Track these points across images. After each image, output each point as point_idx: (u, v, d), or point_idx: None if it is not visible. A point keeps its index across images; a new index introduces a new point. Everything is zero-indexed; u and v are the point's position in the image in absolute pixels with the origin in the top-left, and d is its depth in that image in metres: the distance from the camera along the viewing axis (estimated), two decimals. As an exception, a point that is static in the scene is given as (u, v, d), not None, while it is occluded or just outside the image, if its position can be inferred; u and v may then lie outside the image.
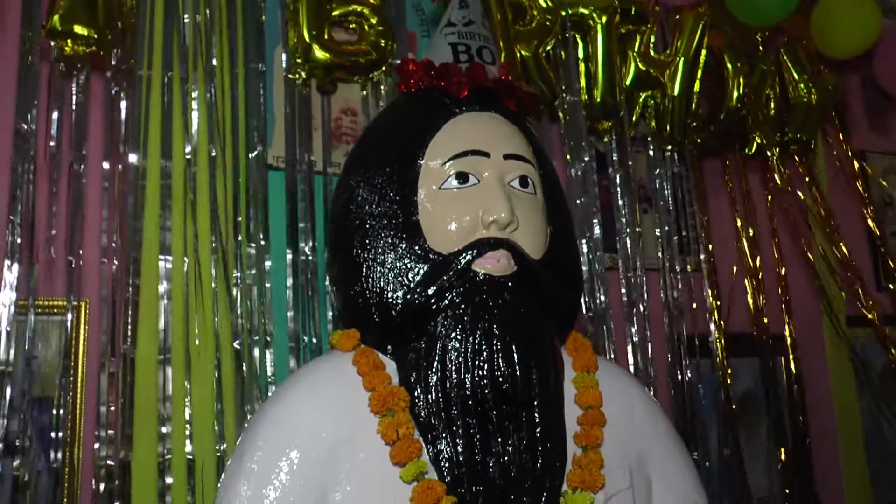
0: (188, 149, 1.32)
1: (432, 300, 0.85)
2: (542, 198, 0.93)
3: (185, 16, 1.38)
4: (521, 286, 0.86)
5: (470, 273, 0.85)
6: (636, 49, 1.82)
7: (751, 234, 1.97)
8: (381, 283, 0.87)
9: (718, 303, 1.88)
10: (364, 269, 0.88)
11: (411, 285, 0.85)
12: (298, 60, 1.41)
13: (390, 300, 0.86)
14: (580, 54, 1.75)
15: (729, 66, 1.91)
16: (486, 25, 1.11)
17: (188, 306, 1.27)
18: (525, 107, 1.00)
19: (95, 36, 1.27)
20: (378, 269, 0.87)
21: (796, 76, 2.08)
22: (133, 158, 1.29)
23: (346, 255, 0.90)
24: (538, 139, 1.01)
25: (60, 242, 1.25)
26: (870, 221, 2.23)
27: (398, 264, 0.86)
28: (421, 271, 0.86)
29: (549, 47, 1.69)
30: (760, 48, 2.08)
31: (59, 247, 1.25)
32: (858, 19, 2.10)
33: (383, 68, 1.46)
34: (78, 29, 1.25)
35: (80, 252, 1.25)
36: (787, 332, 2.00)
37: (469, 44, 1.07)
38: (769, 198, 2.05)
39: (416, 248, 0.86)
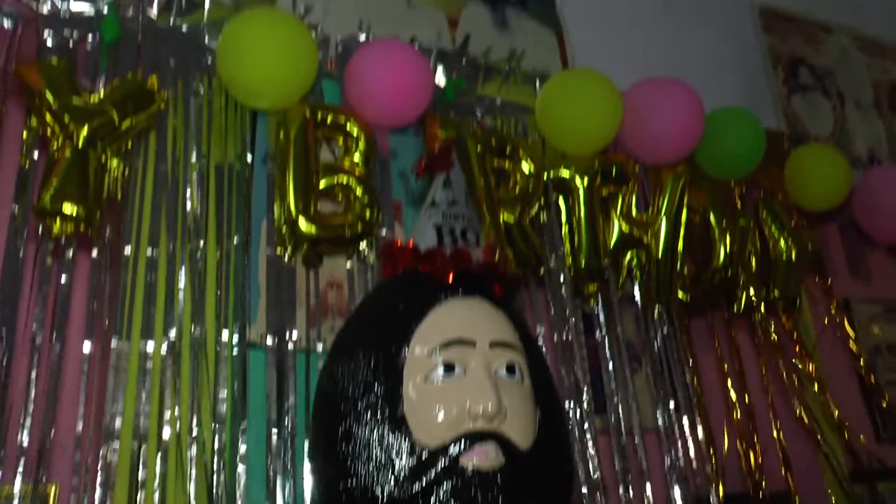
0: (172, 332, 1.30)
1: (420, 497, 0.82)
2: (529, 383, 0.92)
3: (175, 194, 1.39)
4: (511, 479, 0.84)
5: (458, 468, 0.83)
6: (618, 210, 1.84)
7: (743, 392, 1.94)
8: (366, 480, 0.84)
9: (714, 463, 1.82)
10: (348, 464, 0.85)
11: (397, 481, 0.83)
12: (284, 234, 1.42)
13: (376, 497, 0.83)
14: (563, 218, 1.77)
15: (714, 223, 1.93)
16: (471, 205, 1.13)
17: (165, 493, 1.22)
18: (510, 290, 1.00)
19: (84, 215, 1.27)
20: (363, 465, 0.85)
21: (776, 233, 2.11)
22: (115, 340, 1.27)
23: (331, 448, 0.88)
24: (524, 318, 1.01)
25: (36, 425, 1.21)
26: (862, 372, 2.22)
27: (383, 459, 0.84)
28: (407, 467, 0.84)
29: (532, 212, 1.72)
30: (739, 203, 2.12)
31: (33, 429, 1.21)
32: (829, 174, 2.17)
33: (369, 240, 1.48)
34: (67, 208, 1.26)
35: (53, 435, 1.21)
36: (788, 490, 1.94)
37: (453, 225, 1.07)
38: (759, 355, 2.04)
39: (403, 442, 0.85)
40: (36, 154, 1.36)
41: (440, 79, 1.73)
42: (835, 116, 2.60)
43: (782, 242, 2.10)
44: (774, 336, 2.04)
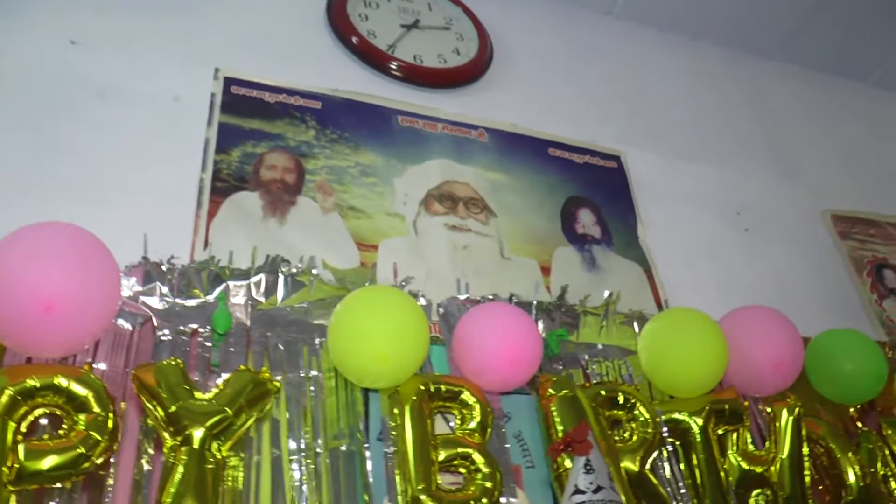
0: None
1: None
2: None
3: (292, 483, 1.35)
4: None
5: None
6: (735, 449, 1.75)
7: None
8: None
9: None
10: None
11: None
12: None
13: None
14: (682, 462, 1.68)
15: (838, 455, 1.82)
16: (615, 488, 1.07)
17: None
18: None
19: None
20: None
21: (909, 450, 1.98)
22: None
23: None
24: None
25: None
26: None
27: None
28: None
29: (652, 459, 1.63)
30: (859, 424, 2.01)
31: None
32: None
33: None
34: (186, 512, 1.22)
35: None
36: None
37: (602, 513, 1.01)
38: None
39: None
40: (152, 452, 1.35)
41: (541, 331, 1.72)
42: (933, 318, 2.52)
43: (919, 459, 1.97)
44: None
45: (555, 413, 1.50)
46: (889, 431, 2.01)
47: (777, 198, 2.57)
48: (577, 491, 1.06)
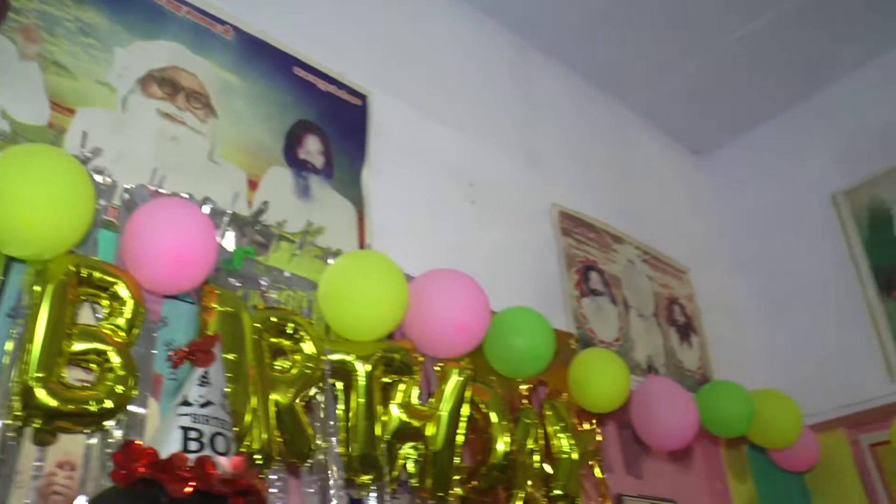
0: None
1: None
2: None
3: None
4: None
5: None
6: (398, 399, 1.78)
7: None
8: None
9: None
10: None
11: None
12: (15, 403, 1.23)
13: None
14: (340, 404, 1.69)
15: (494, 420, 1.91)
16: (226, 406, 1.03)
17: None
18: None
19: None
20: None
21: (559, 432, 2.13)
22: None
23: None
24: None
25: None
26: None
27: None
28: None
29: (308, 395, 1.62)
30: (524, 401, 2.13)
31: None
32: (609, 380, 2.23)
33: (118, 417, 1.32)
34: None
35: None
36: None
37: (202, 429, 0.97)
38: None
39: None
40: None
41: (229, 244, 1.64)
42: (620, 323, 2.75)
43: (564, 442, 2.12)
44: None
45: (211, 327, 1.44)
46: (549, 413, 2.17)
47: (512, 181, 2.65)
48: (185, 402, 1.00)
